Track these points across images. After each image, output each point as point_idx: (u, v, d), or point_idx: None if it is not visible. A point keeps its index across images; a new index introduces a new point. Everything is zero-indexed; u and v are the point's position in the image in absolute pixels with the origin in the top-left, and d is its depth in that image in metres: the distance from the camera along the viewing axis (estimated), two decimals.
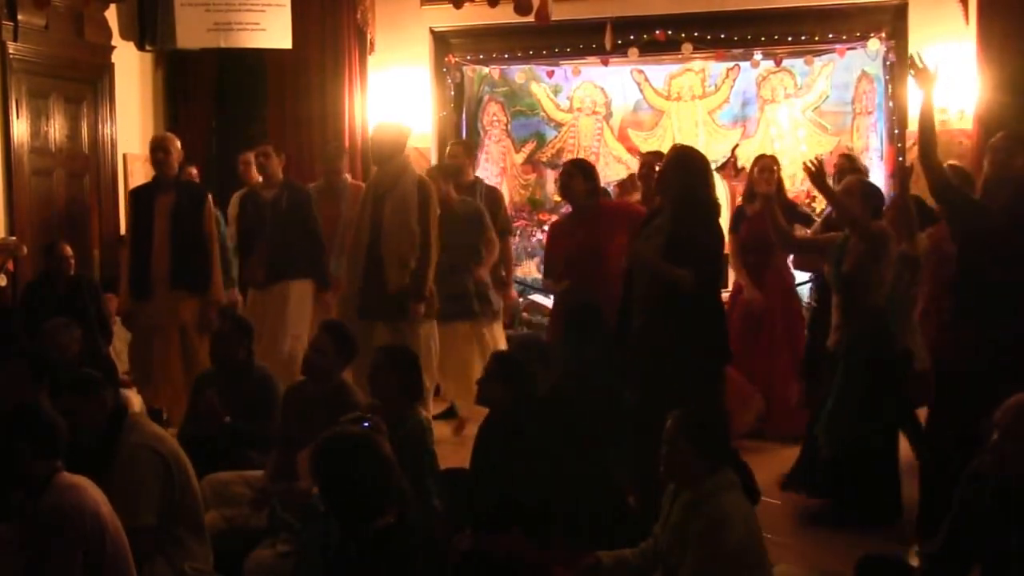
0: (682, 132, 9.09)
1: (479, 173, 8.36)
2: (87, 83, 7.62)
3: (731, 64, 8.93)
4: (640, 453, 4.55)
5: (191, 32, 7.82)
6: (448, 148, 7.27)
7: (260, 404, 4.82)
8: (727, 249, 5.56)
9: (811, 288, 7.01)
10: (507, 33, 8.26)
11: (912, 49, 7.62)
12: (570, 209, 5.75)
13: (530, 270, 9.42)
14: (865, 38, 8.06)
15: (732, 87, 9.09)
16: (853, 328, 4.73)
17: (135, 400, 5.95)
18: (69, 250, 6.47)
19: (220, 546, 3.88)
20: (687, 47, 8.21)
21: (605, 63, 8.58)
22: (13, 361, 4.36)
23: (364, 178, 7.32)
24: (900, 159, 7.77)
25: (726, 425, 3.58)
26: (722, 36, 8.21)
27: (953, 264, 4.67)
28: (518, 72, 9.18)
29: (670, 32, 8.20)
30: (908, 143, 7.74)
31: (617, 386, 4.66)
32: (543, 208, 9.44)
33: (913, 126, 7.68)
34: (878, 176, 7.86)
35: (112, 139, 7.78)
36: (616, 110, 9.31)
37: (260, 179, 6.84)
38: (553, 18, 6.73)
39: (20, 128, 6.91)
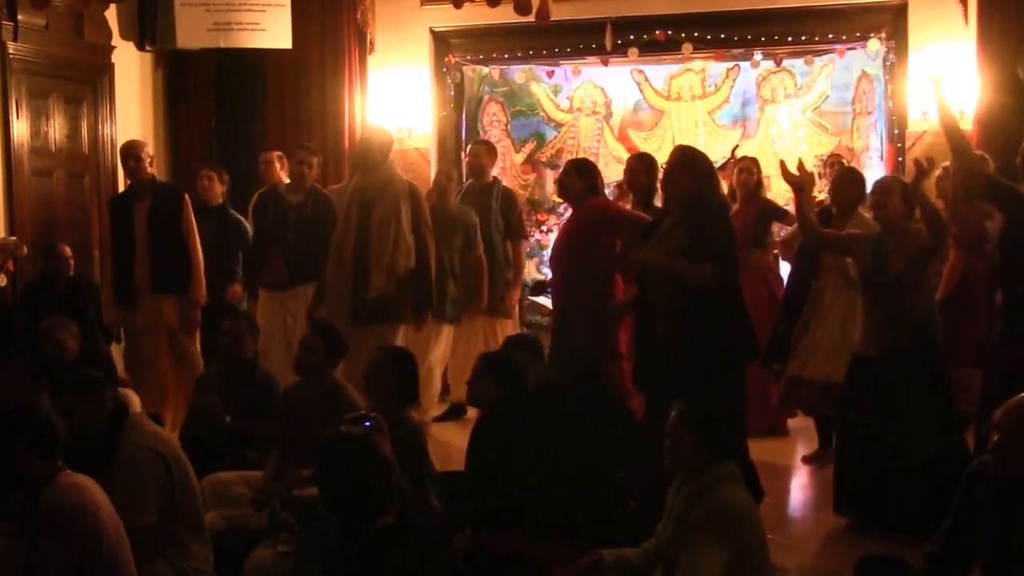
0: (682, 132, 9.08)
1: None
2: (87, 83, 7.61)
3: (731, 64, 8.92)
4: (647, 455, 4.55)
5: (191, 32, 7.81)
6: (470, 147, 7.38)
7: (262, 404, 4.83)
8: None
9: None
10: (507, 33, 8.26)
11: (912, 50, 7.68)
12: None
13: (530, 270, 9.41)
14: (865, 38, 8.06)
15: (732, 87, 9.08)
16: (904, 337, 4.55)
17: (135, 400, 5.94)
18: (69, 250, 6.48)
19: (220, 546, 3.88)
20: (687, 47, 8.21)
21: (605, 63, 8.57)
22: (13, 361, 4.36)
23: None
24: (900, 159, 7.78)
25: (734, 420, 3.57)
26: (722, 36, 8.21)
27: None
28: (518, 72, 9.17)
29: (670, 32, 8.19)
30: (908, 143, 7.74)
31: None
32: (542, 208, 9.43)
33: (913, 127, 7.72)
34: (878, 176, 7.85)
35: (112, 139, 7.77)
36: (616, 110, 9.31)
37: (282, 179, 6.85)
38: (553, 18, 6.72)
39: (20, 128, 6.91)
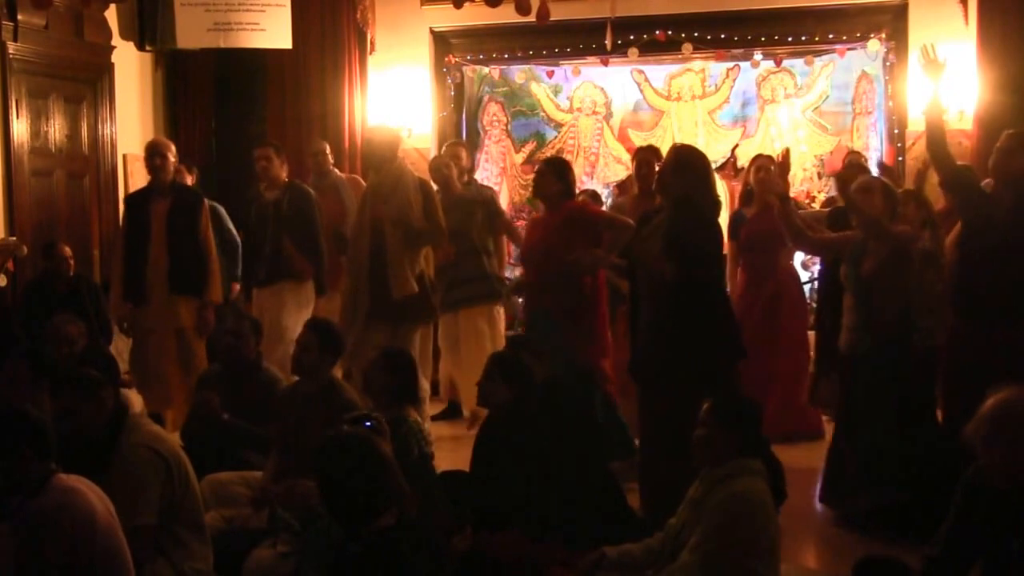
0: (682, 132, 9.08)
1: (479, 174, 8.39)
2: (87, 83, 7.62)
3: (731, 64, 8.92)
4: (646, 451, 4.55)
5: (191, 32, 7.81)
6: (445, 148, 7.31)
7: (264, 405, 4.82)
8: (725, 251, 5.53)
9: (812, 288, 7.01)
10: (507, 33, 8.26)
11: (912, 49, 7.68)
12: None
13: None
14: (865, 38, 8.06)
15: (732, 87, 9.08)
16: (872, 336, 4.61)
17: (135, 400, 5.95)
18: (69, 250, 6.48)
19: (220, 546, 3.87)
20: (687, 47, 8.21)
21: (605, 63, 8.57)
22: (13, 361, 4.36)
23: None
24: (900, 159, 7.78)
25: (759, 417, 3.59)
26: (722, 36, 8.21)
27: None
28: (518, 72, 9.17)
29: (670, 32, 8.20)
30: (908, 143, 7.74)
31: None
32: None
33: (913, 127, 7.71)
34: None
35: (112, 139, 7.78)
36: (616, 110, 9.30)
37: (281, 176, 6.86)
38: (553, 18, 6.72)
39: (20, 128, 6.91)
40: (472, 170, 7.46)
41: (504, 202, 8.31)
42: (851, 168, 6.27)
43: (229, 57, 8.23)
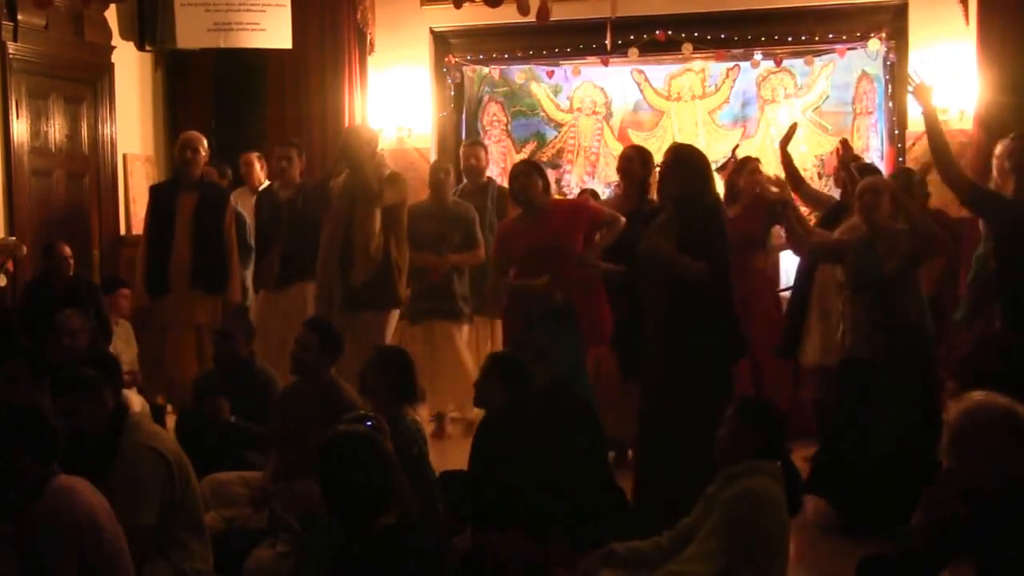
0: (682, 132, 9.07)
1: None
2: (87, 83, 7.62)
3: (731, 64, 8.91)
4: (648, 450, 4.55)
5: (191, 32, 7.81)
6: (465, 148, 7.30)
7: (260, 403, 4.83)
8: None
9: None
10: (507, 33, 8.26)
11: (913, 49, 7.68)
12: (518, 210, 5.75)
13: None
14: (865, 38, 8.06)
15: (732, 87, 9.07)
16: (897, 340, 4.57)
17: (135, 400, 5.95)
18: (68, 250, 6.47)
19: (220, 546, 3.88)
20: (687, 47, 8.21)
21: (605, 63, 8.57)
22: (13, 361, 4.36)
23: None
24: (900, 159, 7.77)
25: (782, 420, 3.61)
26: (722, 36, 8.21)
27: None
28: (518, 72, 9.17)
29: (670, 32, 8.20)
30: (908, 143, 7.74)
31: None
32: None
33: (913, 127, 7.71)
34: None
35: (112, 139, 7.78)
36: (616, 110, 9.30)
37: (260, 181, 6.85)
38: (553, 18, 6.72)
39: (20, 128, 6.91)
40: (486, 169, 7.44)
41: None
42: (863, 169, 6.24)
43: (229, 57, 8.23)
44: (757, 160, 6.57)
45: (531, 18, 6.52)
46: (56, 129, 7.31)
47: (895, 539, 3.43)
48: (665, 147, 8.74)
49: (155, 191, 6.51)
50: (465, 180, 7.22)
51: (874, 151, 8.34)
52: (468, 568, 3.72)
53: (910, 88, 4.82)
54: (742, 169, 6.38)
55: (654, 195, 5.72)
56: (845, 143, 6.12)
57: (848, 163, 5.65)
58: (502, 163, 9.28)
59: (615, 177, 8.63)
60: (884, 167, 7.94)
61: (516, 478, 4.00)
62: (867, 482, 4.58)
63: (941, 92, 6.35)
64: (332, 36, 8.23)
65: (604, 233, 5.46)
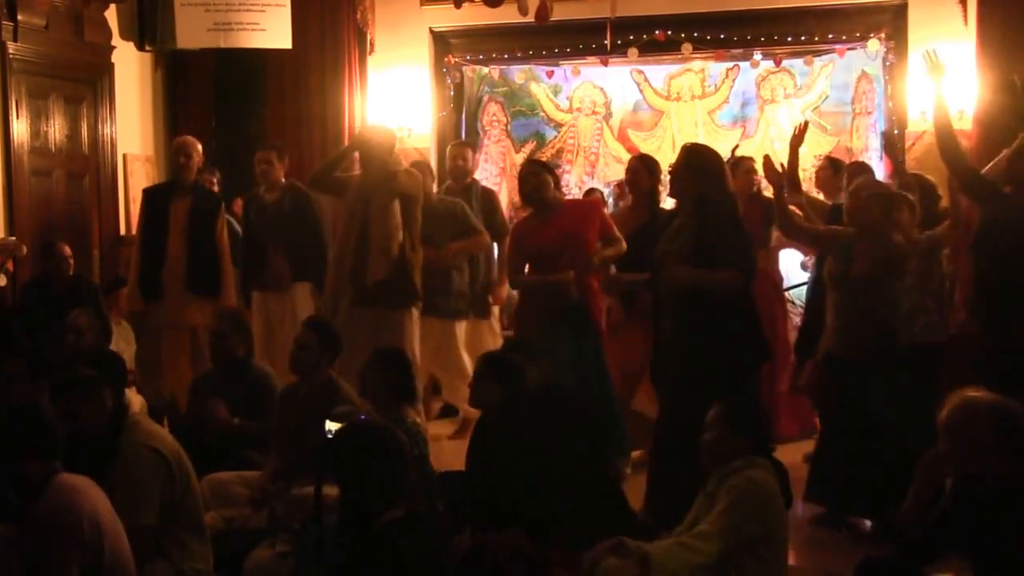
0: (682, 132, 9.07)
1: (479, 173, 8.38)
2: (87, 83, 7.61)
3: (731, 64, 8.92)
4: (663, 453, 4.54)
5: (191, 32, 7.81)
6: (451, 148, 7.16)
7: (258, 403, 4.83)
8: None
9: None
10: (507, 33, 8.26)
11: (912, 50, 7.68)
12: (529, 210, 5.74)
13: None
14: (865, 38, 8.06)
15: (732, 87, 9.08)
16: (870, 339, 4.60)
17: (135, 400, 5.95)
18: (68, 250, 6.47)
19: (220, 546, 3.88)
20: (687, 47, 8.21)
21: (605, 63, 8.57)
22: (13, 361, 4.36)
23: None
24: (900, 160, 7.77)
25: (768, 420, 3.62)
26: (722, 36, 8.22)
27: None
28: (518, 72, 9.18)
29: (670, 32, 8.20)
30: (908, 143, 7.74)
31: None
32: None
33: (913, 127, 7.72)
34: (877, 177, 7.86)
35: (112, 139, 7.78)
36: (616, 110, 9.31)
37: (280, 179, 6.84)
38: (553, 18, 6.73)
39: (20, 128, 6.91)
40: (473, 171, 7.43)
41: (504, 202, 8.30)
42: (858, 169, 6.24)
43: (229, 57, 8.23)
44: (751, 160, 6.57)
45: (531, 18, 6.52)
46: (56, 129, 7.31)
47: (885, 521, 3.44)
48: (665, 147, 8.81)
49: (149, 195, 6.51)
50: (449, 180, 7.12)
51: (873, 151, 8.34)
52: (468, 568, 3.72)
53: (926, 66, 4.79)
54: (736, 170, 6.39)
55: (663, 202, 5.75)
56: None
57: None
58: (501, 163, 9.29)
59: (615, 177, 8.67)
60: (883, 167, 7.95)
61: (512, 478, 4.00)
62: (843, 481, 4.63)
63: (944, 95, 6.33)
64: (332, 36, 8.23)
65: (609, 252, 5.44)
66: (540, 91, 9.28)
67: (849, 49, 8.27)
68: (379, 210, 5.64)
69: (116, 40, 7.85)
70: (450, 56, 8.61)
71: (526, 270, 5.64)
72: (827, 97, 8.87)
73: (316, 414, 4.23)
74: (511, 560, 3.71)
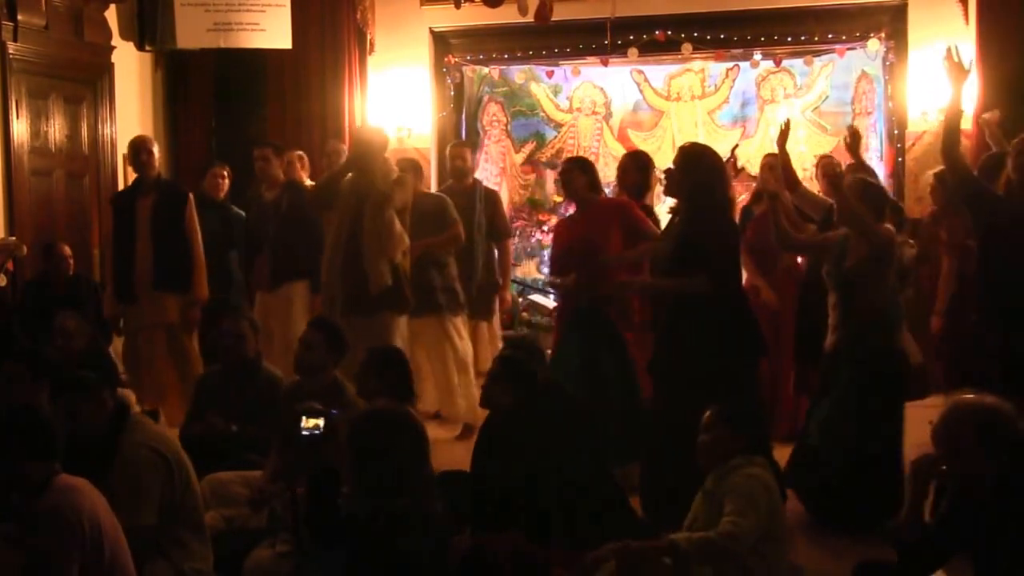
0: (682, 132, 9.09)
1: (479, 173, 8.38)
2: (87, 83, 7.62)
3: (731, 64, 8.93)
4: (657, 452, 4.54)
5: (191, 32, 7.82)
6: (452, 148, 7.12)
7: (265, 405, 4.81)
8: None
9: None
10: (507, 33, 8.27)
11: (912, 49, 7.69)
12: (573, 207, 5.74)
13: (530, 270, 9.43)
14: (865, 38, 8.07)
15: (732, 87, 9.10)
16: (852, 331, 4.64)
17: (132, 399, 5.94)
18: (68, 250, 6.48)
19: (220, 546, 3.88)
20: (687, 47, 8.22)
21: (605, 63, 8.58)
22: (13, 361, 4.36)
23: None
24: (900, 160, 7.78)
25: (762, 418, 3.63)
26: (722, 36, 8.22)
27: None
28: (518, 72, 9.18)
29: (670, 32, 8.21)
30: (908, 144, 7.75)
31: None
32: (543, 208, 9.44)
33: (913, 127, 7.72)
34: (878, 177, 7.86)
35: (112, 139, 7.78)
36: (616, 110, 9.32)
37: (303, 179, 6.84)
38: (553, 18, 6.73)
39: (20, 128, 6.91)
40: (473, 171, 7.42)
41: (504, 202, 8.30)
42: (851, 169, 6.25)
43: (229, 57, 8.23)
44: (773, 156, 6.51)
45: (531, 18, 6.52)
46: (56, 129, 7.31)
47: (883, 535, 3.45)
48: (665, 147, 8.82)
49: (115, 199, 6.56)
50: (451, 180, 7.10)
51: (873, 151, 8.35)
52: (468, 568, 3.72)
53: (945, 64, 4.79)
54: (737, 170, 6.42)
55: (652, 200, 5.73)
56: (854, 133, 6.12)
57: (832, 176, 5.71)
58: (501, 163, 9.31)
59: (614, 177, 8.66)
60: (883, 167, 7.96)
61: (517, 479, 4.00)
62: (828, 479, 4.63)
63: (940, 92, 6.34)
64: (332, 36, 8.24)
65: (647, 247, 5.26)
66: (540, 91, 9.29)
67: (849, 49, 8.28)
68: (376, 221, 5.60)
69: (116, 40, 7.85)
70: (450, 56, 8.62)
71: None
72: (827, 97, 8.88)
73: None
74: (511, 560, 3.71)
